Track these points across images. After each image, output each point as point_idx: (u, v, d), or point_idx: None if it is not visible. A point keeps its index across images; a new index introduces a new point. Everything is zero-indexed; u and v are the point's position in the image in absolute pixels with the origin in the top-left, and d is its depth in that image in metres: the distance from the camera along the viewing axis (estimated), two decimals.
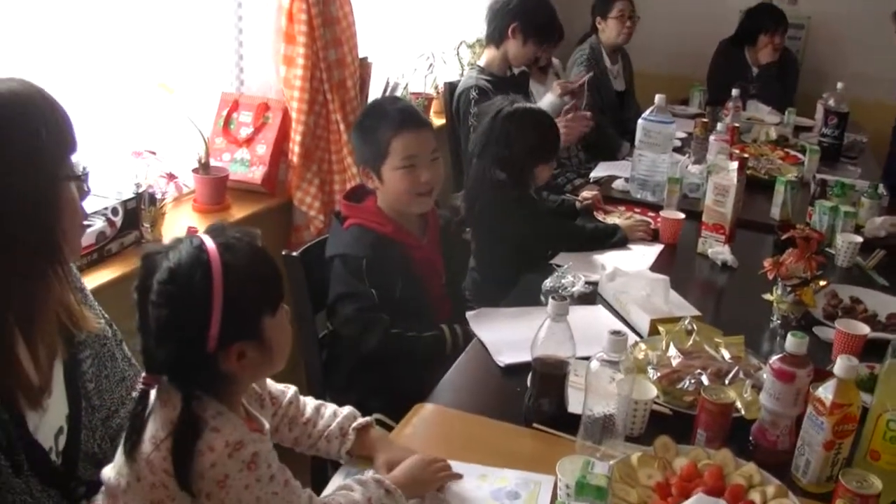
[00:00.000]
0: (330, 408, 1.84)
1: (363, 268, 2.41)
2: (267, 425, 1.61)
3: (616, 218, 3.29)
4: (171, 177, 2.94)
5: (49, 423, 1.53)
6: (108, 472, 1.50)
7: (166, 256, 1.43)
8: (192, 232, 1.49)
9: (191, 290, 1.40)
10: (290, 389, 1.82)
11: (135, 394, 1.46)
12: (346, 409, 1.83)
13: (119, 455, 1.48)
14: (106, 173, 2.67)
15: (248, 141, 3.28)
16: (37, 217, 1.40)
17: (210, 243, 1.43)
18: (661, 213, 3.24)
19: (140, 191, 2.66)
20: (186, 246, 1.43)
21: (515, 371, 2.11)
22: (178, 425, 1.41)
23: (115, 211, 2.56)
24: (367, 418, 1.83)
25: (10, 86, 1.41)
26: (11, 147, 1.36)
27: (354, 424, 1.79)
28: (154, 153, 2.81)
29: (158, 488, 1.41)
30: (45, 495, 1.47)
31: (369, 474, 1.65)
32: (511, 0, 4.06)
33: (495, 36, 4.14)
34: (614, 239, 3.07)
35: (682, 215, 3.19)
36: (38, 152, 1.40)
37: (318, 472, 2.30)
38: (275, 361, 1.52)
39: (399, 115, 2.50)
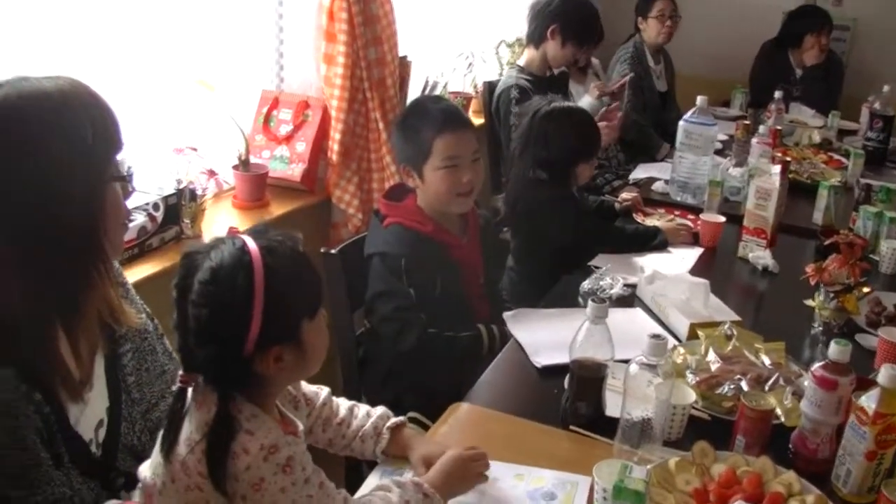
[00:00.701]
0: (363, 408, 1.84)
1: (402, 266, 2.41)
2: (301, 427, 1.60)
3: (656, 220, 3.27)
4: (211, 173, 2.97)
5: (89, 415, 1.54)
6: (145, 471, 1.51)
7: (208, 256, 1.42)
8: (233, 232, 1.48)
9: (233, 291, 1.39)
10: (324, 390, 1.82)
11: (175, 387, 1.46)
12: (380, 409, 1.83)
13: (155, 454, 1.48)
14: (147, 169, 2.69)
15: (288, 138, 3.29)
16: (81, 215, 1.42)
17: (252, 245, 1.43)
18: (702, 217, 3.21)
19: (181, 187, 2.68)
20: (229, 247, 1.43)
21: (552, 372, 2.10)
22: (213, 426, 1.41)
23: (156, 206, 2.58)
24: (401, 417, 1.83)
25: (58, 84, 1.42)
26: (59, 145, 1.38)
27: (388, 423, 1.79)
28: (195, 150, 2.84)
29: (193, 490, 1.42)
30: (85, 487, 1.48)
31: (408, 476, 1.64)
32: (552, 1, 4.04)
33: (535, 36, 4.13)
34: (655, 241, 3.05)
35: (722, 219, 3.15)
36: (84, 151, 1.41)
37: (352, 471, 2.30)
38: (311, 365, 1.52)
39: (442, 115, 2.49)
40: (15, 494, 1.30)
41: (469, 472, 1.68)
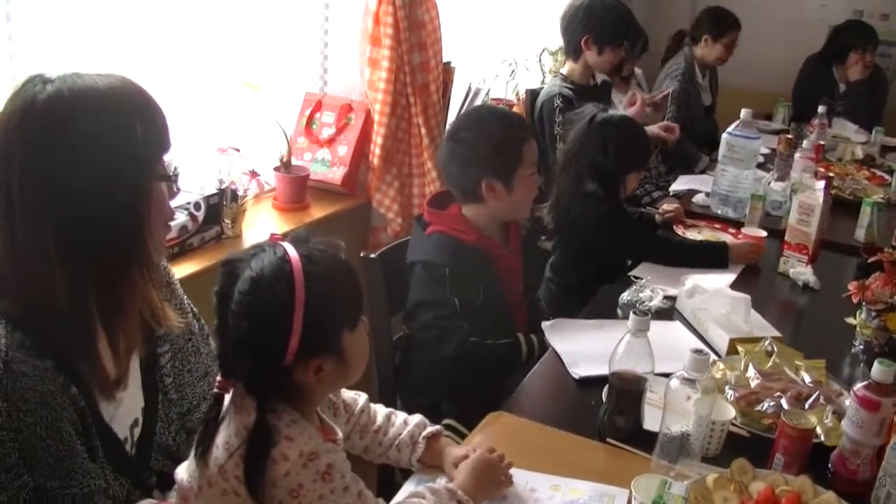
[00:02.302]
0: (400, 416, 1.84)
1: (446, 276, 2.40)
2: (340, 434, 1.61)
3: (696, 233, 3.24)
4: (253, 174, 2.99)
5: (123, 415, 1.55)
6: (182, 473, 1.51)
7: (248, 265, 1.41)
8: (274, 239, 1.47)
9: (272, 303, 1.38)
10: (362, 397, 1.82)
11: (214, 391, 1.47)
12: (416, 418, 1.83)
13: (191, 457, 1.49)
14: (190, 168, 2.71)
15: (330, 141, 3.31)
16: (127, 213, 1.42)
17: (293, 254, 1.41)
18: (743, 230, 3.19)
19: (223, 187, 2.70)
20: (269, 255, 1.41)
21: (590, 384, 2.09)
22: (252, 433, 1.41)
23: (197, 206, 2.60)
24: (437, 427, 1.83)
25: (109, 81, 1.43)
26: (107, 142, 1.38)
27: (424, 433, 1.79)
28: (238, 150, 2.86)
29: (230, 495, 1.42)
30: (118, 483, 1.49)
31: (442, 482, 1.64)
32: (578, 12, 4.02)
33: (570, 51, 4.12)
34: (721, 257, 2.99)
35: (763, 233, 3.13)
36: (132, 148, 1.42)
37: (385, 478, 2.32)
38: (351, 375, 1.51)
39: (519, 120, 2.52)
40: (51, 485, 1.31)
41: (498, 475, 1.68)
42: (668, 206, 3.47)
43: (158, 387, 1.66)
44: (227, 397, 1.47)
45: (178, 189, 1.63)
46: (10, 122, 1.36)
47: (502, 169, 2.46)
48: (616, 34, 4.05)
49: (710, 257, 3.00)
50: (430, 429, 1.81)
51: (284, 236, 1.49)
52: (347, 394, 1.79)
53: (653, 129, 4.01)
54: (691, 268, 2.90)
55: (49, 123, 1.35)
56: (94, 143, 1.37)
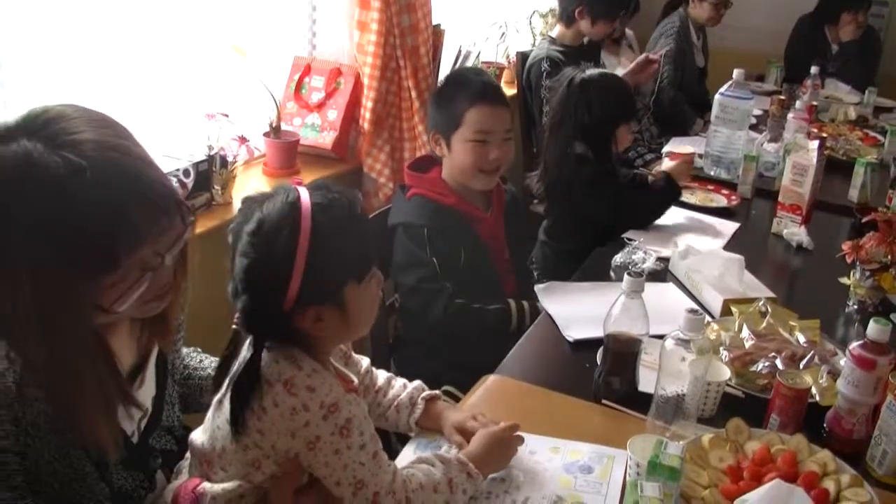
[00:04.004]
0: (399, 380, 1.83)
1: (425, 237, 2.41)
2: (356, 380, 1.60)
3: (689, 195, 3.23)
4: (242, 140, 2.96)
5: (135, 410, 1.52)
6: (199, 437, 1.50)
7: (261, 206, 1.40)
8: (296, 183, 1.45)
9: (274, 246, 1.37)
10: (365, 360, 1.81)
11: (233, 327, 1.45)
12: (416, 382, 1.82)
13: (210, 419, 1.48)
14: (179, 135, 2.68)
15: (320, 106, 3.28)
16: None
17: (306, 200, 1.40)
18: (667, 150, 3.33)
19: (212, 153, 2.67)
20: (282, 199, 1.40)
21: (584, 346, 2.09)
22: (242, 372, 1.41)
23: (186, 172, 2.57)
24: (436, 391, 1.82)
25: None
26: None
27: (423, 395, 1.78)
28: (227, 116, 2.83)
29: (252, 449, 1.41)
30: (129, 478, 1.47)
31: (453, 452, 1.62)
32: None
33: (564, 17, 4.11)
34: (675, 188, 3.02)
35: (689, 149, 3.26)
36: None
37: (382, 432, 2.32)
38: (355, 329, 1.50)
39: (481, 87, 2.48)
40: None
41: (509, 449, 1.66)
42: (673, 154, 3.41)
43: (168, 371, 1.63)
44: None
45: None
46: None
47: (443, 127, 2.50)
48: (611, 8, 4.03)
49: (667, 194, 3.01)
50: (429, 392, 1.80)
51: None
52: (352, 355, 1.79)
53: (632, 65, 3.99)
54: (662, 213, 2.95)
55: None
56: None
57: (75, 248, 1.19)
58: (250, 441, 1.41)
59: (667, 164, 3.16)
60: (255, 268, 1.38)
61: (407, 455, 1.68)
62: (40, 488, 1.28)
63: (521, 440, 1.67)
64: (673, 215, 3.04)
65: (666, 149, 4.00)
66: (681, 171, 3.07)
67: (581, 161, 2.91)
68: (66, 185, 1.17)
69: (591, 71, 3.01)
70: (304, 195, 1.40)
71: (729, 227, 3.01)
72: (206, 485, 1.47)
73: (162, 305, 1.41)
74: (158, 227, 1.29)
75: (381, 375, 1.83)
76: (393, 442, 2.45)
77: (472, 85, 2.48)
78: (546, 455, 1.68)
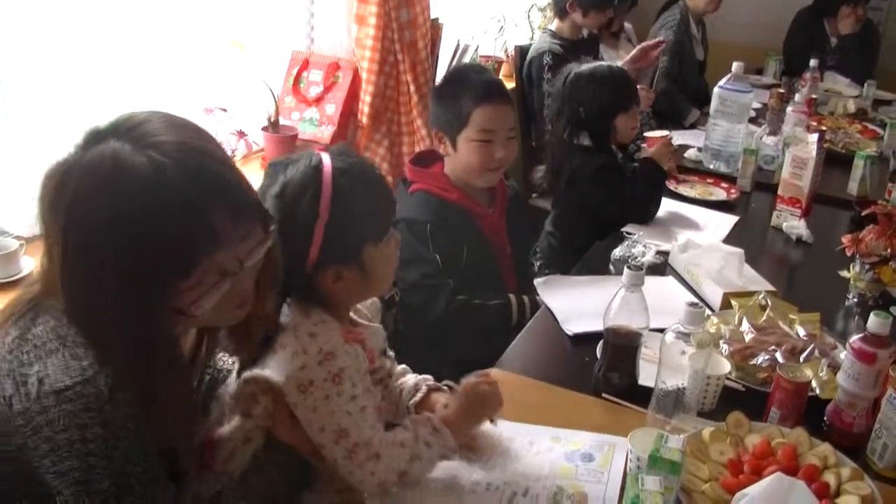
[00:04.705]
0: (414, 374, 1.84)
1: (427, 233, 2.40)
2: (370, 339, 1.62)
3: (689, 188, 3.22)
4: (241, 134, 2.96)
5: None
6: (225, 392, 1.55)
7: (285, 169, 1.48)
8: (319, 150, 1.53)
9: (297, 208, 1.45)
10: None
11: None
12: (426, 375, 1.83)
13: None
14: None
15: (318, 100, 3.27)
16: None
17: (328, 164, 1.47)
18: (647, 135, 3.31)
19: None
20: (305, 162, 1.49)
21: (583, 340, 2.08)
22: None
23: None
24: (441, 384, 1.82)
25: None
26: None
27: (428, 382, 1.79)
28: (225, 110, 2.82)
29: (252, 383, 1.47)
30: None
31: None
32: None
33: (557, 10, 4.12)
34: (659, 171, 3.01)
35: (664, 132, 3.26)
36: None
37: None
38: (375, 287, 1.59)
39: (484, 86, 2.46)
40: None
41: (485, 402, 1.65)
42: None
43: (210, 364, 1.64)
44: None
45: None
46: None
47: (447, 127, 2.49)
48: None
49: (654, 180, 3.00)
50: (435, 383, 1.81)
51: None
52: None
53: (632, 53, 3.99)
54: (657, 200, 2.95)
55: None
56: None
57: (155, 247, 1.21)
58: (251, 376, 1.46)
59: (647, 151, 3.17)
60: (279, 229, 1.40)
61: None
62: (127, 491, 1.27)
63: (499, 398, 1.66)
64: (672, 209, 3.03)
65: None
66: (662, 153, 3.07)
67: (585, 152, 2.90)
68: (149, 182, 1.19)
69: (586, 64, 3.01)
70: (326, 160, 1.48)
71: (728, 220, 3.00)
72: (221, 429, 1.52)
73: (242, 314, 1.40)
74: (238, 232, 1.29)
75: (400, 366, 1.85)
76: None
77: (476, 84, 2.46)
78: (546, 444, 1.68)
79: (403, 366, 1.85)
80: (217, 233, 1.25)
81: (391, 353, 1.81)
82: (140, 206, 1.20)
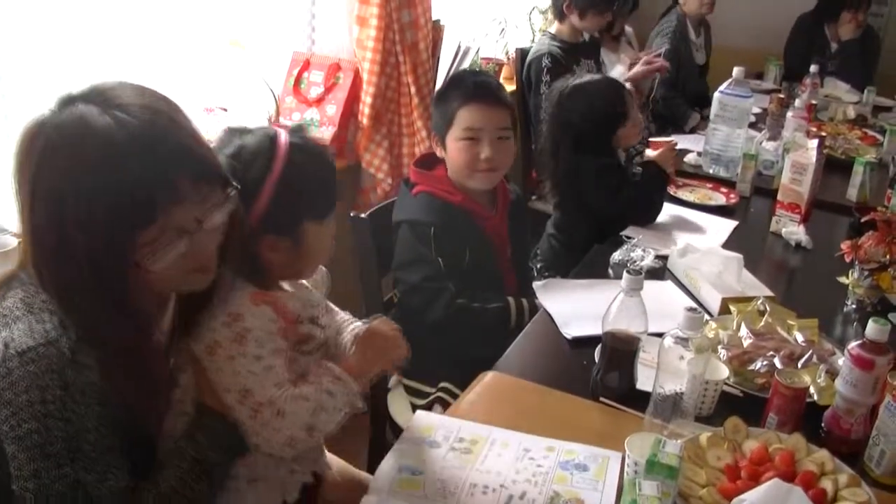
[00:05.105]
0: (346, 318, 1.84)
1: (430, 235, 2.39)
2: (289, 301, 1.59)
3: (688, 193, 3.23)
4: None
5: None
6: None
7: (241, 135, 1.53)
8: (276, 125, 1.58)
9: (250, 170, 1.49)
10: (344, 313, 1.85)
11: None
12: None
13: None
14: None
15: (319, 101, 3.27)
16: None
17: (284, 139, 1.52)
18: (651, 140, 3.31)
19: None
20: (263, 132, 1.55)
21: (582, 344, 2.08)
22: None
23: None
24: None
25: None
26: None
27: (357, 331, 1.78)
28: (225, 110, 2.82)
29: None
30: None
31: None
32: None
33: (556, 12, 4.12)
34: (662, 175, 3.04)
35: (669, 139, 3.32)
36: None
37: (376, 439, 2.33)
38: (306, 265, 1.62)
39: (473, 87, 2.46)
40: (88, 478, 1.30)
41: (385, 344, 1.70)
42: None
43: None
44: None
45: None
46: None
47: (439, 128, 2.50)
48: (600, 2, 4.02)
49: (657, 183, 3.03)
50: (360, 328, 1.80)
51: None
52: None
53: (637, 69, 3.99)
54: (660, 203, 2.96)
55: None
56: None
57: (115, 197, 1.26)
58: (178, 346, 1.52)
59: (650, 154, 3.17)
60: None
61: (401, 447, 1.68)
62: (79, 456, 1.29)
63: (400, 344, 1.71)
64: (672, 213, 3.03)
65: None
66: (665, 157, 3.10)
67: (586, 154, 2.90)
68: (112, 138, 1.26)
69: (577, 81, 3.00)
70: (283, 134, 1.53)
71: (727, 225, 3.00)
72: None
73: (205, 279, 1.44)
74: (198, 192, 1.34)
75: (342, 318, 1.84)
76: (387, 434, 2.47)
77: (466, 85, 2.47)
78: (542, 453, 1.68)
79: (343, 316, 1.83)
80: (177, 189, 1.30)
81: (324, 323, 1.73)
82: (101, 157, 1.26)
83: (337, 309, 1.85)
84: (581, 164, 2.90)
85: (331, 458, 1.89)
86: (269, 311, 1.52)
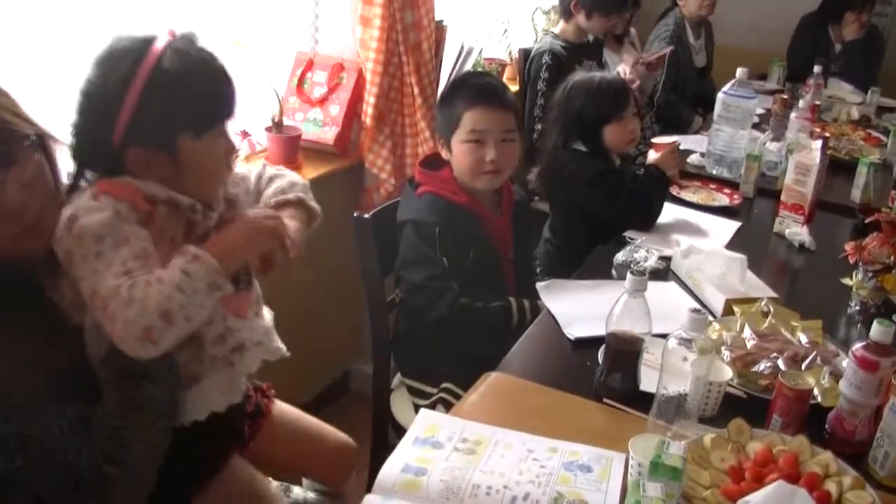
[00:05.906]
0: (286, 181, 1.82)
1: (435, 235, 2.39)
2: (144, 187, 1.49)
3: (691, 194, 3.22)
4: (244, 134, 2.96)
5: None
6: None
7: (119, 41, 1.45)
8: (170, 32, 1.48)
9: (113, 74, 1.41)
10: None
11: None
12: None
13: None
14: None
15: (322, 101, 3.27)
16: None
17: (161, 43, 1.44)
18: (653, 141, 3.28)
19: None
20: (138, 36, 1.45)
21: (585, 344, 2.08)
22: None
23: None
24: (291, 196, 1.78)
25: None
26: None
27: (278, 198, 1.76)
28: None
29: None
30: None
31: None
32: None
33: (563, 10, 4.12)
34: (663, 178, 3.04)
35: (672, 138, 3.27)
36: None
37: (378, 433, 2.32)
38: (190, 183, 1.50)
39: (478, 89, 2.46)
40: (32, 428, 1.33)
41: (266, 233, 1.56)
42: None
43: None
44: None
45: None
46: None
47: (444, 130, 2.50)
48: (604, 2, 4.02)
49: (658, 186, 3.01)
50: (285, 197, 1.78)
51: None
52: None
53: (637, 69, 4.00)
54: (660, 205, 2.94)
55: None
56: None
57: None
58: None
59: (652, 156, 3.16)
60: (90, 91, 1.42)
61: (404, 447, 1.67)
62: (11, 412, 1.30)
63: (283, 236, 1.58)
64: (675, 214, 3.03)
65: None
66: (667, 160, 3.09)
67: (581, 157, 2.91)
68: None
69: (586, 73, 3.02)
70: (164, 40, 1.44)
71: (731, 226, 3.00)
72: None
73: (37, 244, 1.42)
74: None
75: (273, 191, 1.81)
76: (390, 435, 2.47)
77: (469, 87, 2.48)
78: (545, 454, 1.68)
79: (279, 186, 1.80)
80: None
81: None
82: None
83: (286, 181, 1.81)
84: (575, 167, 2.91)
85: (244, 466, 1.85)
86: (109, 201, 1.41)
